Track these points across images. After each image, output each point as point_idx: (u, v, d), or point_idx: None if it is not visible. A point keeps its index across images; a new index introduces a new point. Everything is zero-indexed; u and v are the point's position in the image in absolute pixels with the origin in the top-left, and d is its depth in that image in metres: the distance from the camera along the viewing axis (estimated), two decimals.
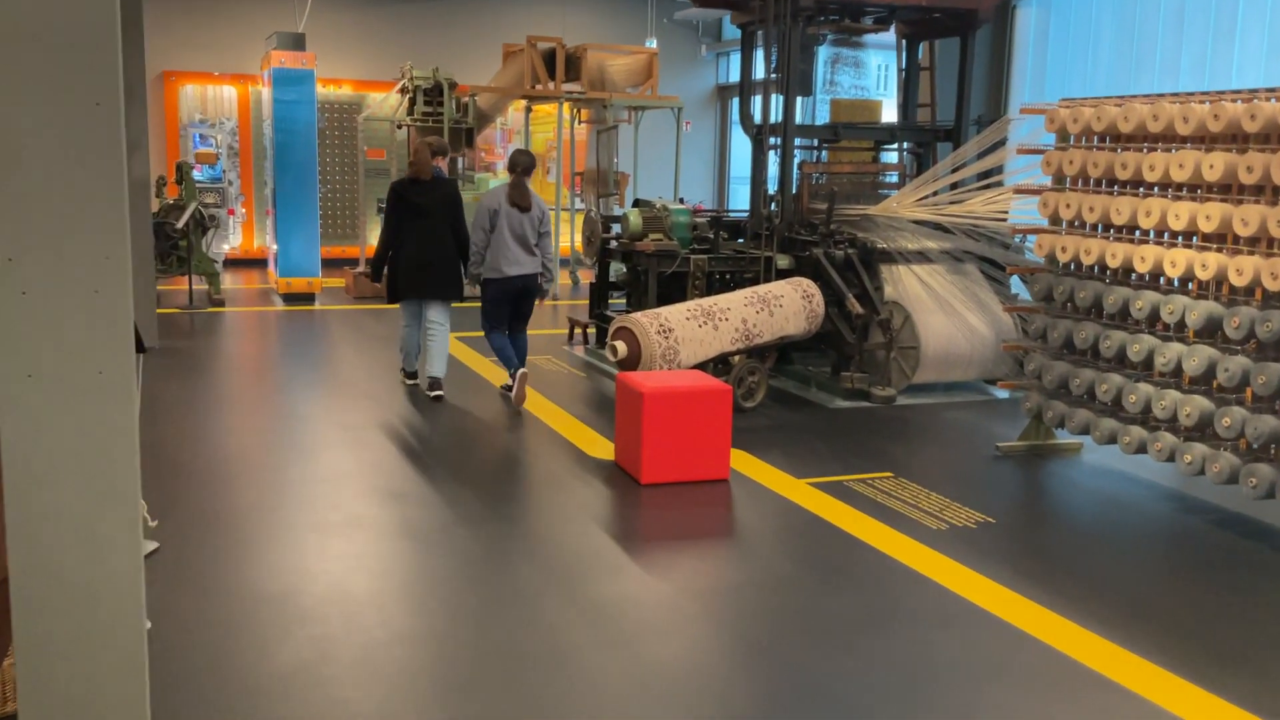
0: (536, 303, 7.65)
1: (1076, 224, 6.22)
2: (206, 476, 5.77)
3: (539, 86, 13.17)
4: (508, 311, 7.55)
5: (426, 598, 4.31)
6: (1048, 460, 6.52)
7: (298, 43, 12.16)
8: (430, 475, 5.90)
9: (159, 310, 11.26)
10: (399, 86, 13.28)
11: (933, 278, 8.29)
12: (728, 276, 8.80)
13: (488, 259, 7.41)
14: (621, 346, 6.95)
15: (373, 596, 4.28)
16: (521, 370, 7.44)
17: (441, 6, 16.62)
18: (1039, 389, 6.48)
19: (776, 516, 5.36)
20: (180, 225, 11.68)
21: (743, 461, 6.22)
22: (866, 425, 7.28)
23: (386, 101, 14.95)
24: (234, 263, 15.66)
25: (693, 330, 7.09)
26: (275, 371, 8.74)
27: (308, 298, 12.31)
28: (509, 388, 7.64)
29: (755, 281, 8.52)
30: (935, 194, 8.62)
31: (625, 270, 9.03)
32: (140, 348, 4.71)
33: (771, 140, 9.05)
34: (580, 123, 14.54)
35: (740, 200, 18.89)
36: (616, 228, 9.25)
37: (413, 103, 12.97)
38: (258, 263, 15.59)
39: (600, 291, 9.48)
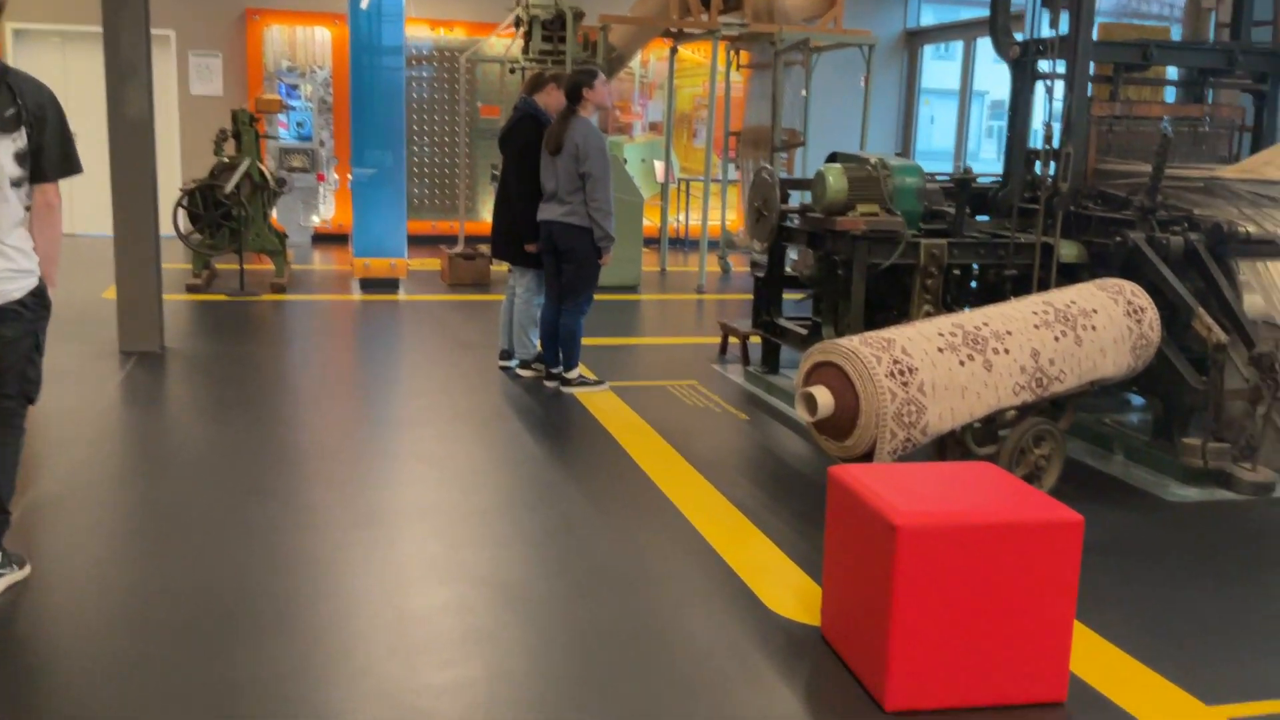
0: (603, 261, 6.06)
1: None
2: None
3: (689, 17, 10.23)
4: (552, 272, 6.14)
5: None
6: None
7: None
8: (476, 659, 3.08)
9: (200, 297, 8.84)
10: (512, 18, 10.54)
11: None
12: (973, 274, 5.74)
13: None
14: (824, 397, 3.99)
15: None
16: (534, 367, 6.42)
17: None
18: None
19: None
20: (229, 189, 9.20)
21: (1080, 646, 3.18)
22: (1254, 544, 4.14)
23: (492, 41, 12.27)
24: (324, 238, 13.25)
25: (949, 370, 4.07)
26: (295, 406, 6.07)
27: (389, 284, 9.68)
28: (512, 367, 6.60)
29: (1021, 283, 5.43)
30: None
31: (813, 261, 6.04)
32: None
33: (1043, 68, 5.94)
34: (739, 68, 11.55)
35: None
36: (798, 197, 6.26)
37: (529, 39, 10.20)
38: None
39: (772, 289, 6.50)
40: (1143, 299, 4.65)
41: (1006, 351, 4.22)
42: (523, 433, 5.33)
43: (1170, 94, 7.16)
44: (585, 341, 6.25)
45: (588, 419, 5.60)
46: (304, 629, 3.16)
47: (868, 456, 4.01)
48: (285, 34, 13.12)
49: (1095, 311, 4.51)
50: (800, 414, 4.08)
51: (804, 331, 6.06)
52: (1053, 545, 2.79)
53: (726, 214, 11.62)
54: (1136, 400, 6.08)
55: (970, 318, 4.32)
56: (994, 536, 2.77)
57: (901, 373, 3.97)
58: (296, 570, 3.57)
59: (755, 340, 6.77)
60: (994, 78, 20.89)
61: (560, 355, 6.17)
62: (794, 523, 4.17)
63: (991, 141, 27.61)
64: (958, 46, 15.44)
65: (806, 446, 5.20)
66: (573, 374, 6.16)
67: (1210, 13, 8.01)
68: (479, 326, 7.96)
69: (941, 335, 4.16)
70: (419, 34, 13.15)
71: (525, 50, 10.21)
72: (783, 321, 6.37)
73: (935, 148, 18.06)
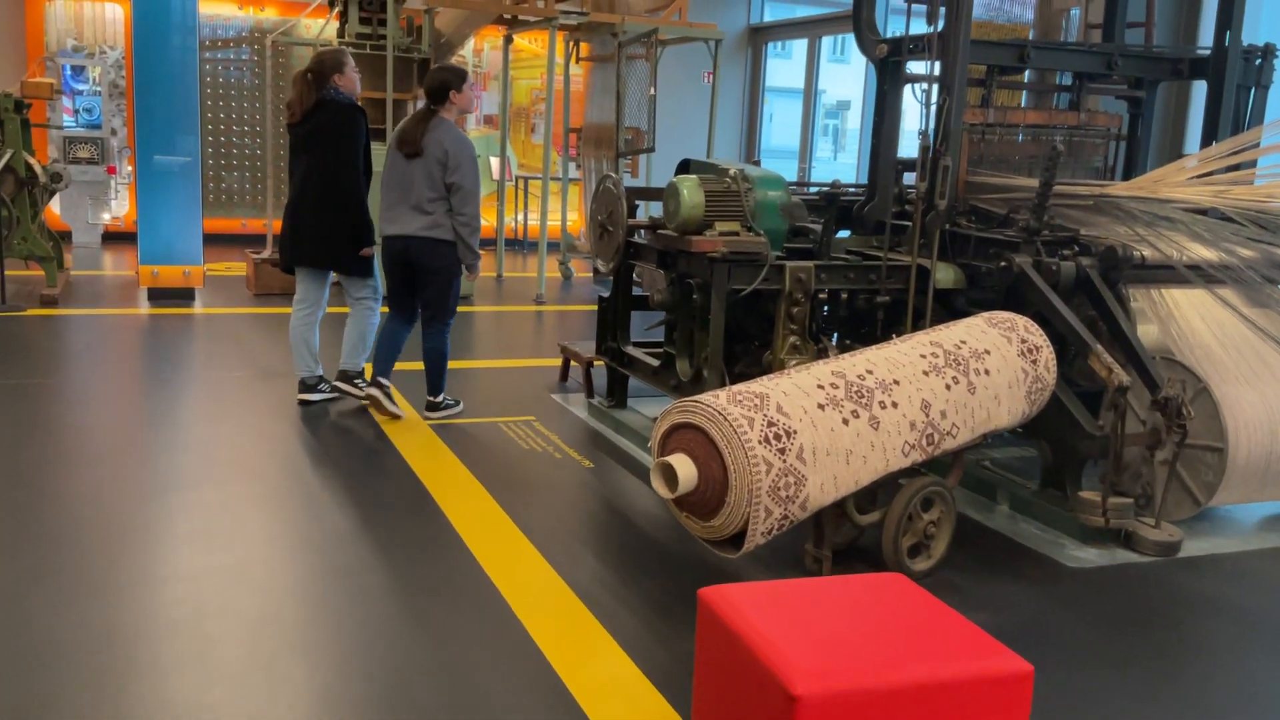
0: (466, 278, 5.49)
1: None
2: None
3: (524, 4, 9.39)
4: (400, 288, 5.46)
5: None
6: None
7: None
8: None
9: None
10: None
11: (1225, 314, 4.62)
12: (843, 300, 5.12)
13: None
14: (685, 470, 3.25)
15: None
16: (382, 394, 5.45)
17: None
18: None
19: None
20: None
21: None
22: (1169, 620, 3.62)
23: (303, 24, 11.17)
24: (116, 237, 11.84)
25: (832, 430, 3.40)
26: (37, 464, 4.99)
27: (184, 294, 8.51)
28: (362, 384, 5.60)
29: (894, 312, 4.83)
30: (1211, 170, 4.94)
31: (665, 284, 5.31)
32: None
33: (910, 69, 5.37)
34: (579, 61, 10.77)
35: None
36: (648, 209, 5.53)
37: (344, 21, 9.17)
38: None
39: (618, 312, 5.75)
40: (1037, 336, 4.09)
41: (895, 405, 3.57)
42: (323, 498, 4.42)
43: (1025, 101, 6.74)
44: (409, 366, 5.48)
45: (405, 475, 4.72)
46: None
47: (739, 538, 3.31)
48: (71, 10, 11.63)
49: (988, 353, 3.91)
50: (658, 488, 3.33)
51: (655, 363, 5.33)
52: (996, 704, 2.12)
53: (568, 214, 10.84)
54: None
55: (852, 364, 3.65)
56: (921, 701, 2.07)
57: (778, 437, 3.26)
58: None
59: (599, 364, 6.01)
60: (831, 77, 20.75)
61: (431, 382, 5.55)
62: (649, 619, 3.42)
63: (827, 140, 27.73)
64: (792, 45, 15.04)
65: (660, 504, 4.48)
66: (440, 397, 5.58)
67: (1064, 14, 7.67)
68: (286, 349, 6.93)
69: (821, 388, 3.48)
70: (226, 13, 11.91)
71: (341, 33, 9.18)
72: (631, 350, 5.63)
73: (774, 147, 17.72)
